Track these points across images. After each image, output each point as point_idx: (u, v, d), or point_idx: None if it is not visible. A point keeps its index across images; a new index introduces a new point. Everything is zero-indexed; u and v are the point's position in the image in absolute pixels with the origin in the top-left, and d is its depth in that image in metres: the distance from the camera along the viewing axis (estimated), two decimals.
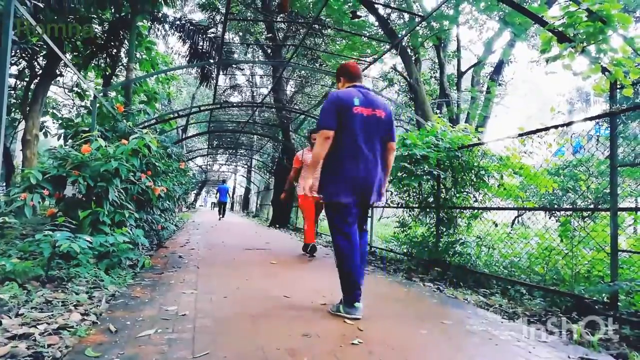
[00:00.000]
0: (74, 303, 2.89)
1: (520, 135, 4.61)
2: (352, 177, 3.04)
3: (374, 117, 3.08)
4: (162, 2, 8.72)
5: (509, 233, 5.42)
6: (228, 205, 24.46)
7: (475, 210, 5.36)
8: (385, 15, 11.52)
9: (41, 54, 9.14)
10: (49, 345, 2.11)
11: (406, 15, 12.26)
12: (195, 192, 38.38)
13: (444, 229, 5.53)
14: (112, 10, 9.04)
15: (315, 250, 6.27)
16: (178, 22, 10.52)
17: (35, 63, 9.43)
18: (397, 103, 15.80)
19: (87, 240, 3.42)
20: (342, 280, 3.11)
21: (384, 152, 3.19)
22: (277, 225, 14.07)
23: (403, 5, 11.44)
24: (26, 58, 9.20)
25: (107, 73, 10.09)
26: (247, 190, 35.02)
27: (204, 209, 43.59)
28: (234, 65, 14.65)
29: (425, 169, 5.30)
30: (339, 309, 3.07)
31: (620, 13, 3.38)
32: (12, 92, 10.32)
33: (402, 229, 6.40)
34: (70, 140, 5.65)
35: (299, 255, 6.60)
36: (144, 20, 9.83)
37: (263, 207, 25.49)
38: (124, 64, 9.89)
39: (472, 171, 5.39)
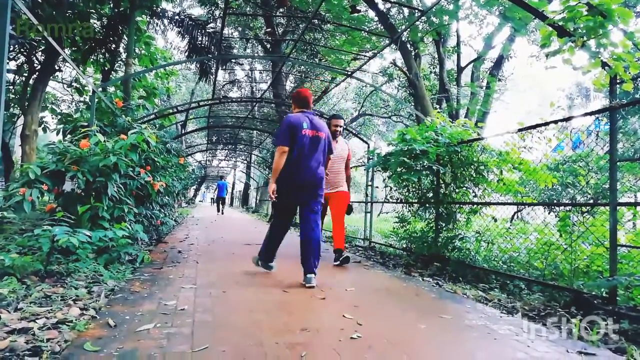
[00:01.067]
0: (73, 298, 2.90)
1: (520, 130, 4.60)
2: (299, 181, 3.99)
3: (317, 138, 4.06)
4: None
5: (508, 228, 5.42)
6: (227, 201, 24.66)
7: (475, 206, 5.36)
8: (384, 10, 11.48)
9: (40, 49, 9.11)
10: (48, 340, 2.11)
11: (406, 10, 12.24)
12: (194, 187, 38.38)
13: (443, 224, 5.53)
14: (111, 5, 9.01)
15: (346, 260, 5.10)
16: (177, 17, 10.48)
17: (34, 58, 9.40)
18: (396, 98, 15.77)
19: (86, 235, 3.42)
20: (266, 249, 4.33)
21: (325, 162, 4.24)
22: None
23: (403, 0, 11.40)
24: (25, 53, 9.17)
25: (106, 68, 10.06)
26: (247, 186, 35.02)
27: (204, 205, 43.59)
28: (233, 60, 14.64)
29: (425, 164, 5.29)
30: (257, 261, 4.45)
31: (620, 7, 3.36)
32: (11, 87, 10.29)
33: (401, 224, 6.40)
34: (69, 136, 5.65)
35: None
36: (143, 15, 9.79)
37: (262, 203, 25.50)
38: (123, 59, 9.86)
39: (472, 166, 5.38)
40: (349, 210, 5.58)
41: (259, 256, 4.41)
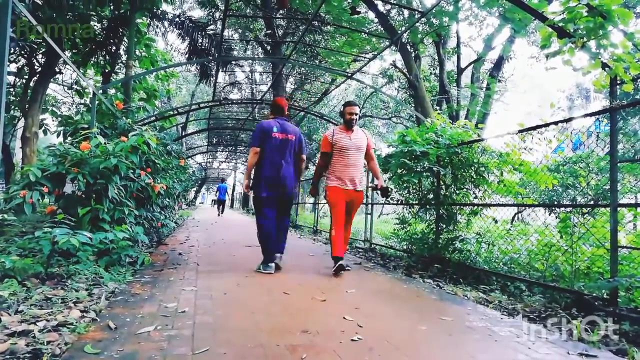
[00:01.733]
0: (74, 300, 2.89)
1: (520, 131, 4.59)
2: (270, 178, 4.58)
3: (286, 140, 4.66)
4: None
5: (509, 229, 5.42)
6: (228, 203, 24.89)
7: (475, 207, 5.35)
8: (384, 12, 11.50)
9: (40, 52, 9.12)
10: (48, 342, 2.11)
11: (406, 12, 12.25)
12: (195, 189, 38.38)
13: (444, 226, 5.52)
14: (111, 7, 9.02)
15: (342, 269, 4.58)
16: (177, 19, 10.50)
17: (35, 60, 9.42)
18: (396, 100, 15.78)
19: (87, 236, 3.42)
20: (262, 247, 4.63)
21: (296, 161, 4.82)
22: None
23: (402, 1, 11.40)
24: (25, 55, 9.19)
25: (107, 70, 10.08)
26: None
27: (204, 206, 43.61)
28: (233, 62, 14.65)
29: (425, 165, 5.29)
30: (259, 267, 4.60)
31: (620, 8, 3.37)
32: (12, 89, 10.31)
33: (401, 226, 6.40)
34: (69, 138, 5.65)
35: (299, 253, 6.61)
36: (143, 17, 9.82)
37: None
38: (123, 61, 9.87)
39: (472, 168, 5.38)
40: (385, 192, 4.86)
41: (260, 263, 4.65)
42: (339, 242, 4.59)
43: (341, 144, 4.77)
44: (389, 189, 5.01)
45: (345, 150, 4.74)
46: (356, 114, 4.86)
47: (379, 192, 4.98)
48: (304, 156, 4.93)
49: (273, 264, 4.55)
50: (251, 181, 4.72)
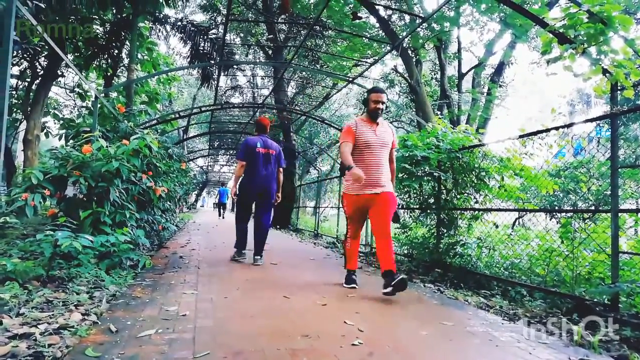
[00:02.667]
0: (75, 303, 2.89)
1: (521, 136, 4.61)
2: (253, 187, 5.39)
3: (268, 154, 5.45)
4: (164, 3, 8.71)
5: (510, 234, 5.42)
6: (229, 206, 25.06)
7: (476, 212, 5.36)
8: (386, 17, 11.53)
9: (43, 55, 9.16)
10: (49, 345, 2.11)
11: (407, 17, 12.29)
12: (196, 192, 38.38)
13: (445, 230, 5.52)
14: (114, 11, 9.06)
15: (354, 282, 4.10)
16: (179, 23, 10.52)
17: (37, 63, 9.45)
18: (398, 104, 15.80)
19: (89, 239, 3.42)
20: (237, 242, 5.59)
21: (277, 174, 5.58)
22: (278, 226, 14.08)
23: (404, 7, 11.45)
24: (28, 58, 9.22)
25: (109, 74, 10.11)
26: None
27: (205, 210, 43.59)
28: (235, 66, 14.67)
29: (426, 170, 5.30)
30: (234, 256, 5.58)
31: (621, 15, 3.38)
32: (14, 92, 10.33)
33: (402, 230, 6.40)
34: (71, 141, 5.66)
35: (300, 257, 6.61)
36: (146, 21, 9.85)
37: None
38: (126, 65, 9.91)
39: (473, 172, 5.39)
40: (396, 218, 4.06)
41: (234, 254, 5.63)
42: (354, 254, 4.18)
43: (364, 138, 3.95)
44: (399, 217, 4.34)
45: (369, 147, 3.94)
46: (383, 102, 4.01)
47: None
48: (282, 168, 5.71)
49: (245, 252, 5.59)
50: (238, 188, 5.62)
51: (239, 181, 5.56)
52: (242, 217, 5.62)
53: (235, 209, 5.87)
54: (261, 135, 5.60)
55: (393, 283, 3.48)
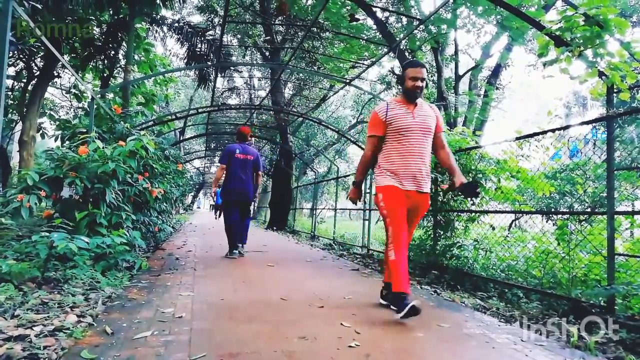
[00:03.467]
0: (70, 304, 2.88)
1: (518, 138, 4.62)
2: (233, 189, 6.09)
3: (246, 159, 6.17)
4: (160, 4, 8.69)
5: (506, 236, 5.43)
6: None
7: (473, 214, 5.36)
8: (383, 19, 11.55)
9: (39, 55, 9.12)
10: (44, 347, 2.10)
11: (404, 19, 12.31)
12: (192, 194, 38.30)
13: (442, 232, 5.53)
14: (110, 12, 9.03)
15: (415, 313, 2.90)
16: (176, 24, 10.50)
17: (33, 64, 9.41)
18: None
19: (84, 241, 3.41)
20: (228, 240, 6.22)
21: (255, 177, 6.35)
22: (275, 228, 14.06)
23: (401, 9, 11.47)
24: (24, 59, 9.17)
25: (105, 75, 10.07)
26: None
27: (201, 211, 43.50)
28: (232, 68, 14.65)
29: None
30: (227, 254, 6.15)
31: (617, 18, 3.40)
32: (10, 93, 10.28)
33: None
34: (67, 142, 5.63)
35: (297, 259, 6.60)
36: (142, 22, 9.83)
37: (260, 210, 25.48)
38: (122, 66, 9.87)
39: (470, 174, 5.40)
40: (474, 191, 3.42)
41: (227, 252, 6.24)
42: (402, 269, 3.05)
43: (400, 123, 3.25)
44: (478, 185, 3.65)
45: (406, 134, 3.24)
46: (422, 79, 3.27)
47: (461, 193, 3.72)
48: (260, 172, 6.51)
49: (237, 251, 6.16)
50: (219, 189, 6.63)
51: (223, 188, 6.27)
52: (229, 216, 6.21)
53: (222, 213, 6.71)
54: (241, 143, 6.35)
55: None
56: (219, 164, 6.39)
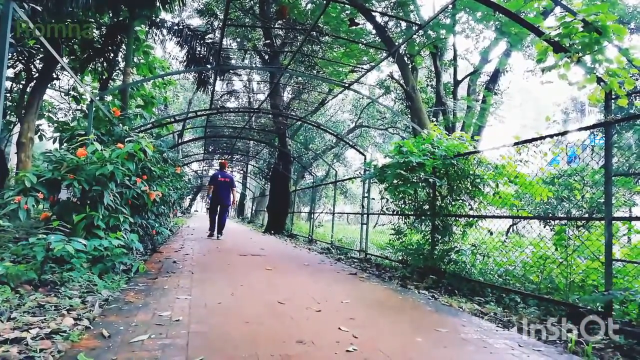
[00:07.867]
0: (67, 307, 2.87)
1: (516, 144, 4.63)
2: (215, 198, 10.29)
3: (225, 181, 10.30)
4: (160, 7, 8.69)
5: (504, 241, 5.43)
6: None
7: (471, 218, 5.37)
8: (382, 24, 11.59)
9: (38, 57, 9.12)
10: (41, 350, 2.09)
11: (403, 24, 12.34)
12: (190, 197, 38.23)
13: (440, 237, 5.53)
14: (110, 15, 9.04)
15: None
16: (176, 27, 10.51)
17: (32, 66, 9.41)
18: (393, 110, 15.86)
19: (82, 243, 3.40)
20: (209, 225, 10.84)
21: (232, 193, 10.52)
22: (272, 232, 14.03)
23: (400, 14, 11.50)
24: (23, 61, 9.17)
25: (104, 77, 10.07)
26: (242, 196, 34.96)
27: (199, 214, 43.40)
28: (231, 71, 14.66)
29: (421, 176, 5.31)
30: (208, 236, 10.56)
31: (615, 24, 3.42)
32: (8, 94, 10.27)
33: (397, 237, 6.40)
34: (65, 144, 5.63)
35: (294, 263, 6.59)
36: (142, 25, 9.84)
37: (258, 213, 25.45)
38: (121, 68, 9.89)
39: (468, 179, 5.40)
40: None
41: (207, 235, 10.64)
42: None
43: None
44: None
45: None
46: None
47: None
48: (235, 188, 10.61)
49: (215, 234, 10.41)
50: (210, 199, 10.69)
51: (211, 197, 10.48)
52: (212, 214, 10.67)
53: (208, 211, 11.35)
54: (221, 170, 10.59)
55: None
56: (207, 185, 11.14)
